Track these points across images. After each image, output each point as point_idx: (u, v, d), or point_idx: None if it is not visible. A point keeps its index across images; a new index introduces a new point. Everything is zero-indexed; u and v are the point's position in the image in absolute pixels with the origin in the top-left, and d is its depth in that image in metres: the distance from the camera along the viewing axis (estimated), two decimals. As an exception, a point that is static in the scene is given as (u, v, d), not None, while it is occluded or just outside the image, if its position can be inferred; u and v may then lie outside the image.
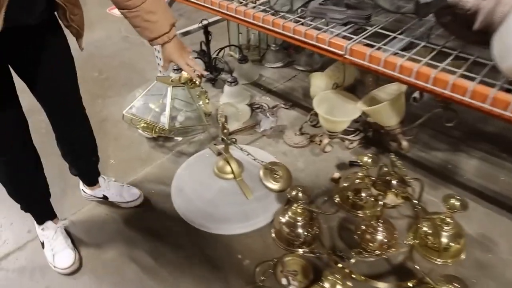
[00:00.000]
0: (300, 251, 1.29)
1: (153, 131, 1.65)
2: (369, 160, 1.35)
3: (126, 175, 1.61)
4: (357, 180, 1.42)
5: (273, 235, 1.35)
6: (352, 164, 1.63)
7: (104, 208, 1.46)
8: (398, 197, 1.02)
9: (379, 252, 1.15)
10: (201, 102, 1.79)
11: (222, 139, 1.59)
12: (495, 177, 1.54)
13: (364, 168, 1.38)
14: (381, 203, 1.01)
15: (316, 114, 1.75)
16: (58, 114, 1.17)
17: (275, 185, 1.45)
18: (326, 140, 1.53)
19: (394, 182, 1.02)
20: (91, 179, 1.41)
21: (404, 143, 1.39)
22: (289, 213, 1.31)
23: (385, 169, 1.11)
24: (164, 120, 1.62)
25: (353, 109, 1.44)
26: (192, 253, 1.31)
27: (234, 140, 1.37)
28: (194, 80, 1.67)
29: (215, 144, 1.72)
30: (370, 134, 1.72)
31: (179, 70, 1.94)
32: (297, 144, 1.71)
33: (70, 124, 1.21)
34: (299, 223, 1.29)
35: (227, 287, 1.21)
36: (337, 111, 1.46)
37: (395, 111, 1.30)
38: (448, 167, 1.60)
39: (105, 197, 1.43)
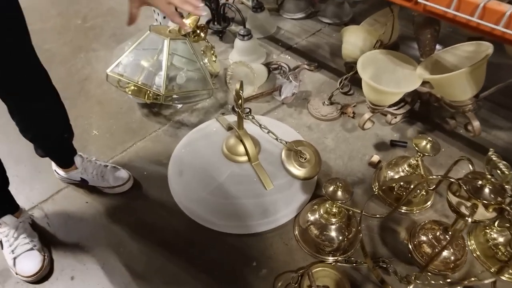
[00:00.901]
0: (332, 259, 1.01)
1: (146, 96, 1.31)
2: (428, 146, 1.03)
3: (112, 151, 1.29)
4: (406, 168, 1.11)
5: (297, 233, 1.07)
6: (394, 144, 1.31)
7: (84, 194, 1.16)
8: (489, 209, 0.71)
9: (448, 278, 0.86)
10: (206, 60, 1.44)
11: (234, 110, 1.26)
12: None
13: (418, 156, 1.06)
14: (469, 220, 0.70)
15: (349, 79, 1.41)
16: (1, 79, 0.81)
17: (300, 171, 1.13)
18: (367, 115, 1.19)
19: (487, 190, 0.71)
20: (64, 161, 1.09)
21: (476, 124, 1.06)
22: (321, 211, 1.01)
23: (471, 167, 0.79)
24: (160, 82, 1.28)
25: (408, 76, 1.09)
26: (193, 257, 1.02)
27: (249, 112, 1.04)
28: (198, 31, 1.32)
29: (223, 114, 1.39)
30: (417, 107, 1.38)
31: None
32: (326, 116, 1.38)
33: (21, 92, 0.86)
34: (333, 226, 1.00)
35: (240, 308, 0.94)
36: (386, 78, 1.11)
37: (473, 81, 0.95)
38: (513, 151, 1.28)
39: (84, 181, 1.13)
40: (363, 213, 0.96)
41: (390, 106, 1.31)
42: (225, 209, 1.08)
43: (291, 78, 1.36)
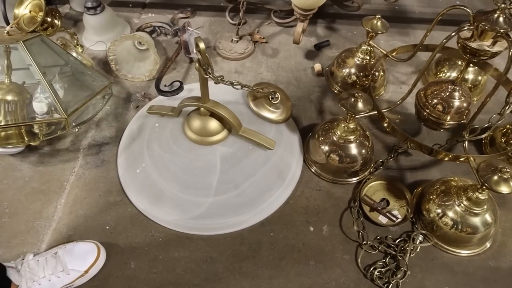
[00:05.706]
0: (366, 174, 0.93)
1: (25, 137, 0.87)
2: (379, 24, 1.02)
3: (33, 234, 0.83)
4: (361, 56, 1.08)
5: (319, 171, 0.93)
6: (319, 46, 1.25)
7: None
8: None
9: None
10: (74, 54, 1.03)
11: (159, 89, 0.96)
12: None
13: (369, 38, 1.03)
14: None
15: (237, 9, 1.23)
16: None
17: (277, 113, 0.95)
18: (299, 27, 1.07)
19: (501, 19, 0.69)
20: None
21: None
22: (337, 133, 0.89)
23: (470, 12, 0.76)
24: (42, 107, 0.86)
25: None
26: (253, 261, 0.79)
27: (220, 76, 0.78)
28: (49, 19, 0.93)
29: (137, 107, 1.05)
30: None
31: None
32: (244, 52, 1.20)
33: None
34: (352, 144, 0.89)
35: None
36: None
37: None
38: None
39: (41, 293, 0.70)
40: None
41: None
42: (244, 197, 0.84)
43: (190, 28, 1.10)
